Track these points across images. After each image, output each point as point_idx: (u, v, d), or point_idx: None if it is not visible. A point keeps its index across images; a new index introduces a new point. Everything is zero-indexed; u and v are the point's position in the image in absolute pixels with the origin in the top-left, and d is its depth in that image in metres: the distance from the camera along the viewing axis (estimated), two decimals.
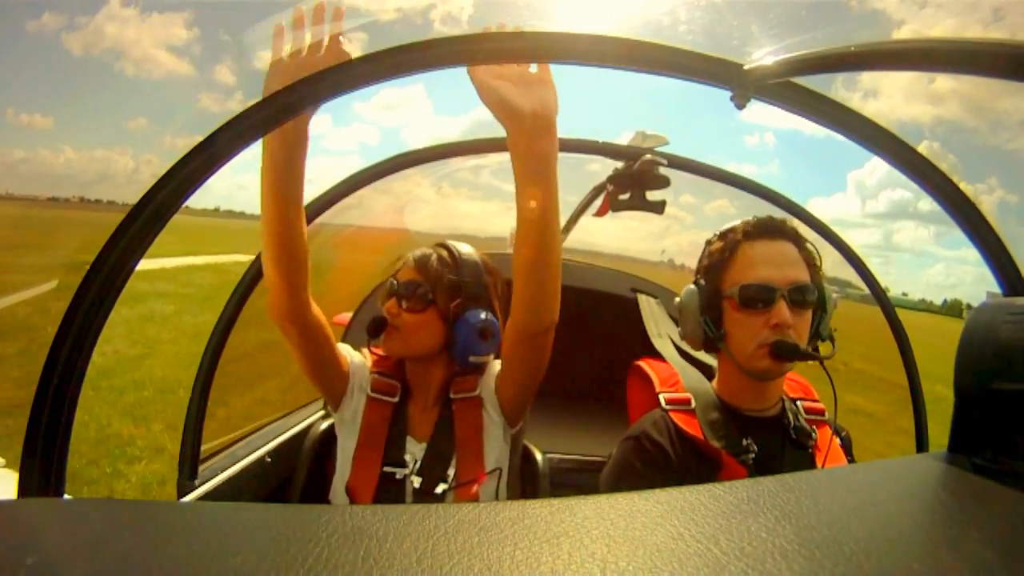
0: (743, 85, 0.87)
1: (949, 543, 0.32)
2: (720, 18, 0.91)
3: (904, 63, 0.68)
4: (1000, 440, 0.42)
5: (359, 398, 1.10)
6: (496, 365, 1.14)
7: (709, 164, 1.42)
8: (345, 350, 1.14)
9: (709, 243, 1.01)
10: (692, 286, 1.02)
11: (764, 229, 0.96)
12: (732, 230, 0.98)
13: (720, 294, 0.96)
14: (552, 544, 0.30)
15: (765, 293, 0.90)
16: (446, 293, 1.07)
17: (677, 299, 1.04)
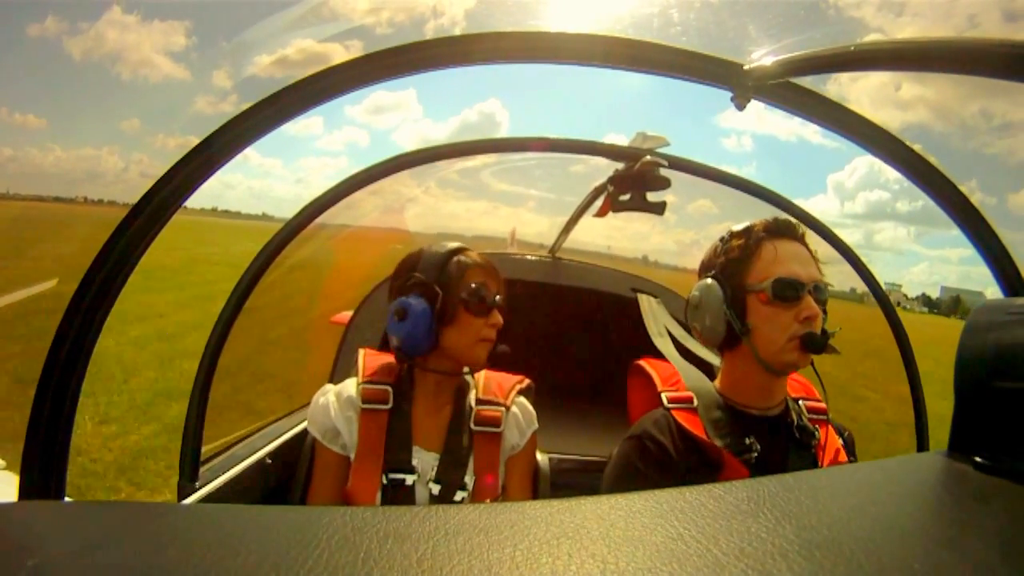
0: (743, 85, 0.87)
1: (949, 542, 0.32)
2: (719, 19, 0.91)
3: (904, 63, 0.68)
4: (1000, 439, 0.42)
5: (350, 423, 1.08)
6: (524, 411, 1.15)
7: (711, 165, 1.41)
8: (314, 420, 1.10)
9: (725, 240, 1.02)
10: (710, 280, 0.99)
11: (784, 229, 0.98)
12: (752, 228, 1.00)
13: (743, 289, 0.96)
14: (552, 544, 0.30)
15: (796, 287, 0.93)
16: None
17: (694, 292, 1.02)
